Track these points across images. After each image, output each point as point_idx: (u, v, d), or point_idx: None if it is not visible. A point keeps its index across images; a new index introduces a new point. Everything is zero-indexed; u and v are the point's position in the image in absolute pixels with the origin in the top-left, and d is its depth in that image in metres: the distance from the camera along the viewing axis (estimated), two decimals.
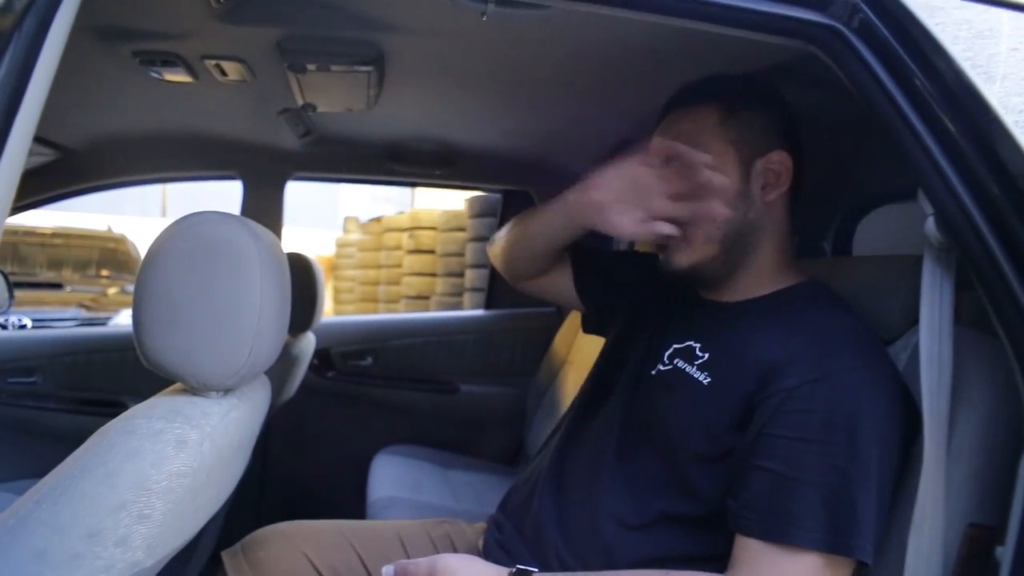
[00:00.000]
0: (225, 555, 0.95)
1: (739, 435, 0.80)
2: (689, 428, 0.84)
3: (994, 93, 0.68)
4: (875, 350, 0.82)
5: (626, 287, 1.12)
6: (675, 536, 0.83)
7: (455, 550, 0.99)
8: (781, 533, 0.72)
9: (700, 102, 0.92)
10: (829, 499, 0.71)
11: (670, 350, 0.92)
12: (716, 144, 0.89)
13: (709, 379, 0.85)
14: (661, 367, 0.92)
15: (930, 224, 0.72)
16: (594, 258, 1.17)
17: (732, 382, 0.83)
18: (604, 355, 1.10)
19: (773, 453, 0.75)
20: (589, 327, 1.21)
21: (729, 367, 0.84)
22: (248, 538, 0.98)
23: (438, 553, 0.96)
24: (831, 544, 0.71)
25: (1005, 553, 0.67)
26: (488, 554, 0.96)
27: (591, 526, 0.87)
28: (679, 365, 0.89)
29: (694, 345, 0.90)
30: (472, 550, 0.99)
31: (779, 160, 0.90)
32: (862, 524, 0.71)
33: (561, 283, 1.15)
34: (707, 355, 0.87)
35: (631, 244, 2.25)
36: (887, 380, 0.77)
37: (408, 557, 0.95)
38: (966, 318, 0.80)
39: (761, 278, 0.91)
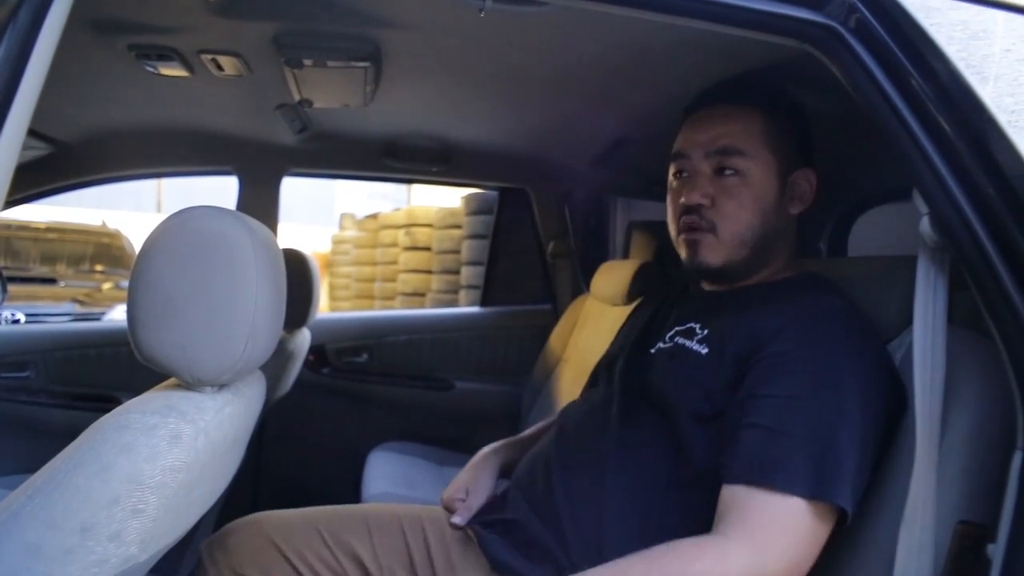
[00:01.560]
0: (203, 545, 0.98)
1: (732, 395, 0.82)
2: (687, 390, 0.86)
3: (987, 93, 0.68)
4: (862, 326, 0.85)
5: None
6: (681, 501, 0.84)
7: (426, 536, 0.99)
8: (767, 479, 0.74)
9: (744, 103, 0.94)
10: (814, 450, 0.74)
11: (672, 332, 0.96)
12: (762, 151, 0.92)
13: (707, 350, 0.88)
14: (662, 344, 0.96)
15: (925, 224, 0.72)
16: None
17: (727, 349, 0.86)
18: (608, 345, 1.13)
19: (763, 411, 0.78)
20: None
21: (725, 337, 0.88)
22: (223, 528, 1.00)
23: (407, 538, 0.98)
24: (815, 491, 0.73)
25: (996, 550, 0.67)
26: (486, 540, 0.93)
27: (596, 501, 0.87)
28: (679, 341, 0.93)
29: (694, 326, 0.93)
30: (456, 537, 0.98)
31: (807, 177, 0.95)
32: (845, 475, 0.73)
33: None
34: (706, 331, 0.91)
35: (625, 250, 2.26)
36: (872, 351, 0.81)
37: (374, 540, 0.97)
38: (960, 318, 0.80)
39: (768, 274, 0.96)
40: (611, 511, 0.86)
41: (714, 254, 0.93)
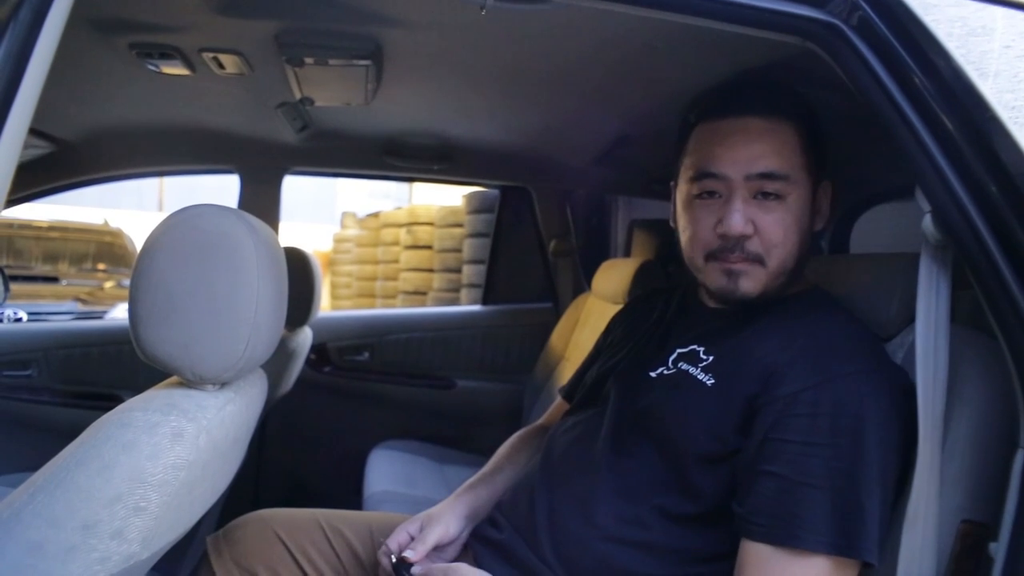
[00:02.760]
0: (209, 539, 0.98)
1: (742, 436, 0.80)
2: (693, 428, 0.83)
3: (987, 90, 0.68)
4: (876, 353, 0.82)
5: (614, 354, 1.07)
6: (672, 533, 0.83)
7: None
8: (790, 537, 0.72)
9: (780, 116, 0.87)
10: (836, 502, 0.71)
11: (674, 354, 0.92)
12: (801, 173, 0.86)
13: (713, 380, 0.85)
14: (665, 371, 0.91)
15: (927, 221, 0.72)
16: (581, 385, 1.11)
17: (735, 384, 0.82)
18: (598, 356, 1.10)
19: (779, 458, 0.75)
20: None
21: (732, 369, 0.84)
22: (229, 524, 1.00)
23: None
24: (839, 547, 0.71)
25: (998, 549, 0.67)
26: (481, 555, 0.96)
27: (581, 523, 0.87)
28: (683, 367, 0.89)
29: (698, 349, 0.89)
30: (451, 551, 0.99)
31: (828, 191, 0.91)
32: (868, 526, 0.71)
33: None
34: (711, 358, 0.87)
35: (627, 249, 2.26)
36: (889, 383, 0.77)
37: (376, 548, 0.97)
38: (962, 316, 0.80)
39: (778, 291, 0.90)
40: (599, 541, 0.85)
41: (755, 285, 0.86)
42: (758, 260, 0.85)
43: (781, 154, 0.85)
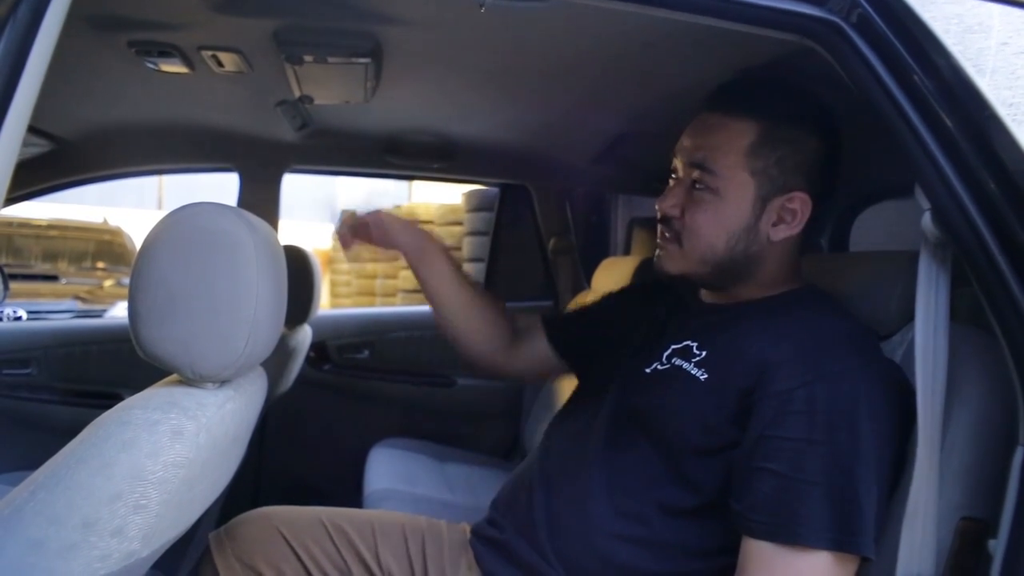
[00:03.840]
0: (211, 535, 0.98)
1: (737, 429, 0.80)
2: (686, 422, 0.84)
3: (984, 87, 0.68)
4: (870, 349, 0.82)
5: (608, 327, 1.11)
6: (671, 527, 0.84)
7: (424, 545, 0.99)
8: (791, 534, 0.73)
9: (740, 114, 0.88)
10: (835, 498, 0.72)
11: (668, 351, 0.92)
12: (738, 172, 0.87)
13: (706, 375, 0.85)
14: (659, 366, 0.92)
15: (926, 219, 0.72)
16: (565, 321, 1.18)
17: (728, 378, 0.83)
18: (594, 354, 1.10)
19: (777, 455, 0.75)
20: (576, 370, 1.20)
21: (726, 364, 0.85)
22: (232, 520, 1.00)
23: (408, 544, 0.98)
24: (840, 542, 0.72)
25: (997, 546, 0.67)
26: (482, 555, 0.96)
27: (580, 520, 0.87)
28: (676, 363, 0.90)
29: (691, 344, 0.90)
30: (451, 550, 0.99)
31: (799, 202, 0.88)
32: (866, 521, 0.72)
33: (539, 354, 1.15)
34: (704, 353, 0.88)
35: (626, 247, 2.26)
36: (882, 378, 0.78)
37: (377, 542, 0.98)
38: (962, 314, 0.80)
39: (761, 287, 0.92)
40: (599, 537, 0.85)
41: (673, 263, 0.92)
42: (676, 240, 0.91)
43: (719, 149, 0.88)
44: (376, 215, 1.09)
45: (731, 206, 0.88)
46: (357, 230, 1.09)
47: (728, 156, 0.87)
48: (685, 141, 0.92)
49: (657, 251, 0.94)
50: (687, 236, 0.90)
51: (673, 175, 0.94)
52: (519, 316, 1.20)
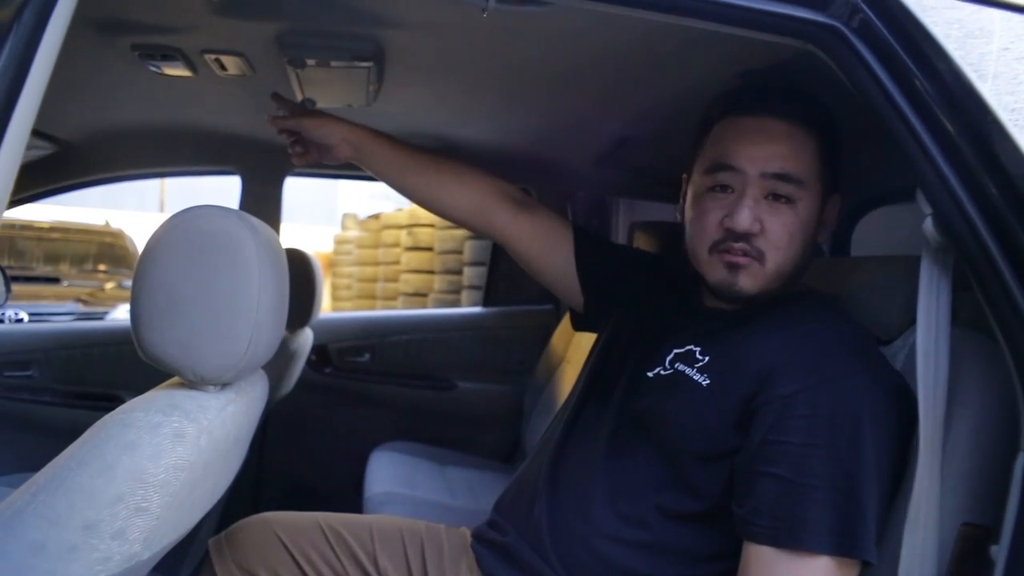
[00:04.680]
0: (211, 541, 0.98)
1: (739, 435, 0.80)
2: (689, 428, 0.84)
3: (986, 92, 0.68)
4: (871, 354, 0.82)
5: (629, 282, 1.09)
6: (673, 532, 0.84)
7: (423, 549, 0.99)
8: (793, 539, 0.73)
9: (800, 121, 0.87)
10: (838, 502, 0.72)
11: (671, 355, 0.92)
12: (815, 181, 0.86)
13: (708, 381, 0.85)
14: (662, 371, 0.92)
15: (928, 224, 0.72)
16: (598, 243, 1.13)
17: (731, 384, 0.83)
18: (597, 355, 1.09)
19: (779, 459, 0.75)
20: (580, 323, 1.19)
21: (728, 370, 0.85)
22: (232, 526, 1.00)
23: (407, 549, 0.98)
24: (842, 547, 0.72)
25: (999, 552, 0.67)
26: (483, 558, 0.96)
27: (582, 523, 0.87)
28: (679, 368, 0.90)
29: (694, 349, 0.90)
30: (451, 554, 0.99)
31: (835, 204, 0.91)
32: (868, 525, 0.72)
33: (559, 255, 1.09)
34: (707, 358, 0.88)
35: (629, 240, 2.25)
36: (884, 382, 0.78)
37: (376, 547, 0.98)
38: (963, 319, 0.80)
39: (774, 294, 0.91)
40: (601, 541, 0.85)
41: (753, 282, 0.86)
42: (759, 258, 0.85)
43: (798, 158, 0.85)
44: (287, 123, 1.13)
45: (807, 215, 0.86)
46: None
47: (808, 165, 0.86)
48: (755, 151, 0.85)
49: (724, 268, 0.87)
50: (772, 253, 0.85)
51: (726, 188, 0.87)
52: (517, 189, 1.16)
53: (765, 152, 0.85)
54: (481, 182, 1.13)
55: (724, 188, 0.88)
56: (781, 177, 0.84)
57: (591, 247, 1.11)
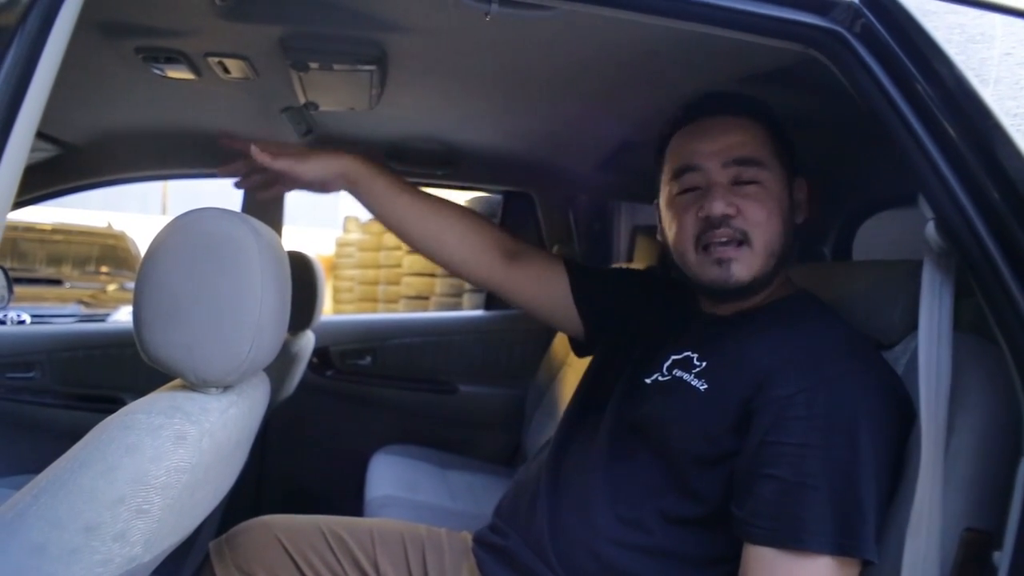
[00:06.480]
0: (211, 544, 0.98)
1: (738, 438, 0.80)
2: (687, 432, 0.84)
3: (988, 96, 0.68)
4: (867, 353, 0.83)
5: (626, 303, 1.10)
6: (674, 536, 0.83)
7: (424, 558, 0.99)
8: (793, 539, 0.73)
9: (747, 115, 0.92)
10: (836, 502, 0.72)
11: (668, 361, 0.93)
12: (774, 161, 0.91)
13: (706, 386, 0.86)
14: (660, 377, 0.92)
15: (930, 229, 0.72)
16: (591, 273, 1.15)
17: (728, 388, 0.83)
18: (597, 362, 1.10)
19: (778, 460, 0.76)
20: (582, 350, 1.19)
21: (725, 374, 0.85)
22: (232, 529, 1.01)
23: (408, 553, 0.98)
24: (843, 546, 0.72)
25: (1002, 558, 0.67)
26: (484, 562, 0.96)
27: (583, 527, 0.88)
28: (677, 374, 0.90)
29: (691, 355, 0.90)
30: (452, 557, 0.99)
31: (801, 187, 0.95)
32: (868, 525, 0.72)
33: (556, 293, 1.10)
34: (704, 364, 0.88)
35: (629, 255, 2.26)
36: (880, 381, 0.79)
37: (376, 551, 0.98)
38: (965, 324, 0.80)
39: (769, 293, 0.93)
40: (601, 545, 0.85)
41: (747, 269, 0.87)
42: (744, 240, 0.87)
43: (754, 142, 0.90)
44: (278, 160, 1.02)
45: (777, 192, 0.90)
46: (269, 182, 1.07)
47: (764, 147, 0.91)
48: (710, 146, 0.90)
49: (716, 265, 0.88)
50: (755, 231, 0.87)
51: (696, 189, 0.91)
52: (509, 237, 1.14)
53: (721, 144, 0.90)
54: (476, 235, 1.09)
55: (693, 190, 0.92)
56: (742, 162, 0.89)
57: (585, 279, 1.13)
